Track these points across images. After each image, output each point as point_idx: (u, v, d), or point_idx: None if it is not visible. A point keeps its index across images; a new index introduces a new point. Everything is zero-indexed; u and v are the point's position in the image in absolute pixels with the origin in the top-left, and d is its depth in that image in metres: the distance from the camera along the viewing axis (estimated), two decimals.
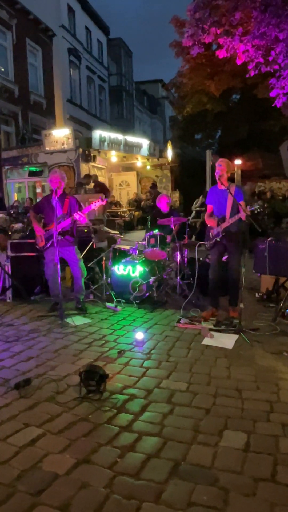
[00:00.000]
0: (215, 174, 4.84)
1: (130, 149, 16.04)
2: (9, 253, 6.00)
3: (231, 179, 5.09)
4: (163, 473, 2.14)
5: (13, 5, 17.92)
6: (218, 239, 4.83)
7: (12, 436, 2.48)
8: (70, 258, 5.31)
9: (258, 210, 4.43)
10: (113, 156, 16.27)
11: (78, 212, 5.11)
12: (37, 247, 5.38)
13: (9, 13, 17.81)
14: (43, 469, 2.18)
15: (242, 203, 4.68)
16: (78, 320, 4.90)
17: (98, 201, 5.34)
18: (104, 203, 5.48)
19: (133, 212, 15.79)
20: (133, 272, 5.66)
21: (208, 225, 5.05)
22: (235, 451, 2.33)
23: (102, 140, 14.83)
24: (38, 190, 16.95)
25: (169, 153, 17.61)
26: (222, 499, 1.96)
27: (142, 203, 15.73)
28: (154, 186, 15.08)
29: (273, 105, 9.38)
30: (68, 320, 4.87)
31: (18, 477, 2.12)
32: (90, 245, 6.41)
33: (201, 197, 14.08)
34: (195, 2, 9.41)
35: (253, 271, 6.16)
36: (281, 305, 4.90)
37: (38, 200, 8.84)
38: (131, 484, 2.06)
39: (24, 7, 18.50)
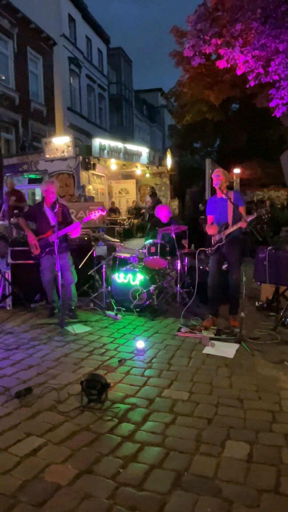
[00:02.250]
0: (214, 184, 4.88)
1: (130, 157, 16.12)
2: (9, 261, 6.00)
3: (230, 188, 5.12)
4: (166, 484, 2.13)
5: (15, 14, 18.08)
6: (220, 245, 4.85)
7: (13, 446, 2.46)
8: (63, 264, 5.30)
9: (265, 215, 4.46)
10: (113, 164, 16.33)
11: (83, 220, 5.18)
12: (31, 255, 5.38)
13: (11, 22, 17.97)
14: (45, 479, 2.16)
15: (242, 208, 4.71)
16: (78, 328, 4.89)
17: (98, 211, 5.38)
18: (104, 213, 5.52)
19: (132, 220, 15.83)
20: (134, 280, 5.66)
21: (209, 234, 5.06)
22: (238, 462, 2.32)
23: (102, 148, 14.91)
24: (38, 197, 16.98)
25: (169, 161, 17.69)
26: (225, 511, 1.94)
27: (142, 211, 15.77)
28: (153, 194, 15.12)
29: (272, 115, 9.46)
30: (69, 328, 4.86)
31: (20, 487, 2.10)
32: (90, 253, 6.42)
33: (200, 205, 14.15)
34: (196, 13, 9.53)
35: (253, 279, 6.17)
36: (281, 314, 4.90)
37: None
38: (134, 495, 2.05)
39: (26, 16, 18.68)
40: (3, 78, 17.65)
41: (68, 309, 5.46)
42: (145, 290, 5.53)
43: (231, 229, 4.73)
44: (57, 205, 5.13)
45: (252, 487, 2.11)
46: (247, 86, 9.41)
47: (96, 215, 5.42)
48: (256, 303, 5.86)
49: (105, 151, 15.04)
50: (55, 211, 5.05)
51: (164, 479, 2.16)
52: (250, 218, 4.60)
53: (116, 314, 5.45)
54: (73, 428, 2.66)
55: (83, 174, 14.66)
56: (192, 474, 2.21)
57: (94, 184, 16.66)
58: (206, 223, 5.19)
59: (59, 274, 4.95)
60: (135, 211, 16.68)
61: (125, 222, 15.53)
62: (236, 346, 4.23)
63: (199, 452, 2.41)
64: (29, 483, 2.13)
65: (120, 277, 5.77)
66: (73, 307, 5.48)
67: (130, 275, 5.69)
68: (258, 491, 2.07)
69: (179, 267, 5.87)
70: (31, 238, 5.27)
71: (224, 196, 4.76)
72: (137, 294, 5.59)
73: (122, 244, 7.25)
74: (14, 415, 2.84)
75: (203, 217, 5.79)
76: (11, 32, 18.18)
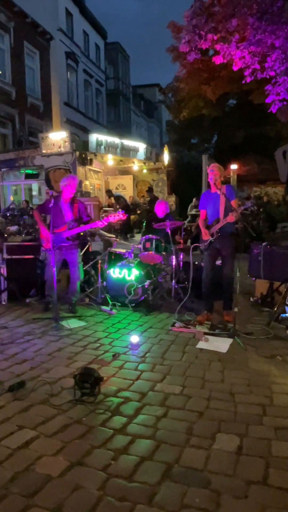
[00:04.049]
0: (209, 179, 4.89)
1: (127, 152, 16.11)
2: (5, 256, 6.00)
3: (224, 183, 5.14)
4: (156, 475, 2.16)
5: (12, 8, 17.98)
6: (212, 239, 4.87)
7: (5, 438, 2.48)
8: (72, 260, 5.34)
9: (251, 208, 4.48)
10: (110, 160, 16.32)
11: (102, 221, 5.20)
12: (43, 248, 5.38)
13: (7, 16, 17.87)
14: (37, 471, 2.19)
15: (234, 202, 4.73)
16: (73, 323, 4.91)
17: (118, 215, 5.36)
18: (124, 218, 5.53)
19: (129, 215, 15.80)
20: (129, 275, 5.67)
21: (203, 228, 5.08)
22: (227, 454, 2.35)
23: (98, 144, 14.89)
24: (35, 193, 16.97)
25: (166, 157, 17.70)
26: (214, 502, 1.97)
27: (139, 211, 15.76)
28: (150, 189, 15.13)
29: (268, 111, 9.46)
30: (63, 323, 4.87)
31: (11, 479, 2.12)
32: (86, 248, 6.44)
33: (194, 199, 14.17)
34: (192, 9, 9.49)
35: (248, 275, 6.20)
36: (275, 309, 4.93)
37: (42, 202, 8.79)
38: (124, 486, 2.07)
39: (22, 10, 18.57)
40: (0, 72, 17.55)
41: (69, 304, 5.48)
42: (140, 285, 5.55)
43: (221, 224, 4.75)
44: (73, 201, 5.16)
45: (241, 479, 2.14)
46: (244, 82, 9.38)
47: (115, 218, 5.37)
48: (251, 299, 5.90)
49: (102, 147, 15.03)
50: (72, 207, 5.06)
51: (154, 471, 2.19)
52: (238, 211, 4.62)
53: (111, 309, 5.47)
54: (66, 421, 2.69)
55: (80, 170, 14.65)
56: (182, 466, 2.24)
57: (91, 179, 16.65)
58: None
59: (54, 269, 4.96)
60: (132, 206, 16.67)
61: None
62: (230, 341, 4.26)
63: (190, 445, 2.44)
64: (21, 474, 2.16)
65: (115, 272, 5.78)
66: (73, 302, 5.50)
67: (125, 270, 5.71)
68: (246, 483, 2.10)
69: (174, 263, 5.89)
70: (44, 231, 5.22)
71: (218, 191, 4.77)
72: (132, 289, 5.61)
73: (118, 240, 7.27)
74: (7, 408, 2.86)
75: (199, 213, 5.78)
76: (8, 26, 18.09)
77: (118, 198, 14.35)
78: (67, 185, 5.26)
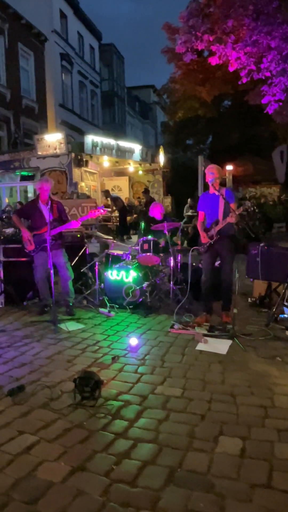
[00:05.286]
0: (208, 180, 4.88)
1: (122, 154, 16.08)
2: (1, 258, 5.96)
3: (222, 185, 5.13)
4: (159, 480, 2.13)
5: (6, 9, 17.93)
6: (212, 242, 4.86)
7: (6, 444, 2.45)
8: (58, 261, 5.32)
9: (251, 208, 4.48)
10: (105, 161, 16.29)
11: (77, 220, 5.23)
12: (26, 251, 5.39)
13: (1, 18, 17.82)
14: (38, 477, 2.16)
15: (233, 205, 4.72)
16: (71, 326, 4.88)
17: (99, 211, 5.39)
18: (104, 213, 5.57)
19: (125, 217, 15.76)
20: (127, 277, 5.65)
21: (201, 231, 5.07)
22: (230, 457, 2.33)
23: (94, 145, 14.85)
24: (30, 194, 16.89)
25: (161, 158, 17.68)
26: (218, 506, 1.95)
27: (135, 215, 15.76)
28: (146, 191, 15.11)
29: (264, 112, 9.48)
30: (61, 325, 4.84)
31: (13, 485, 2.09)
32: (83, 250, 6.41)
33: (189, 200, 14.16)
34: (188, 10, 9.51)
35: (246, 276, 6.19)
36: (274, 310, 4.93)
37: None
38: (127, 492, 2.05)
39: (17, 11, 18.53)
40: None
41: (66, 306, 5.46)
42: (138, 287, 5.53)
43: (221, 225, 4.74)
44: (51, 202, 5.16)
45: (245, 482, 2.12)
46: (239, 82, 9.40)
47: (96, 214, 5.42)
48: (249, 300, 5.89)
49: (98, 148, 14.99)
50: (49, 207, 5.05)
51: (157, 475, 2.17)
52: (238, 212, 4.62)
53: (109, 311, 5.45)
54: (66, 425, 2.66)
55: (76, 171, 14.60)
56: (185, 470, 2.22)
57: (86, 181, 16.61)
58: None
59: (52, 271, 4.94)
60: (128, 208, 16.64)
61: (118, 219, 15.47)
62: (229, 342, 4.24)
63: (192, 448, 2.42)
64: (22, 480, 2.13)
65: (113, 274, 5.76)
66: (70, 304, 5.48)
67: (123, 272, 5.68)
68: (250, 486, 2.09)
69: (172, 264, 5.87)
70: (25, 233, 5.28)
71: (216, 193, 4.76)
72: (130, 291, 5.58)
73: (115, 241, 7.24)
74: (6, 413, 2.83)
75: (195, 213, 5.77)
76: (2, 28, 18.04)
77: (116, 199, 14.33)
78: (40, 187, 5.36)
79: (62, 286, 5.49)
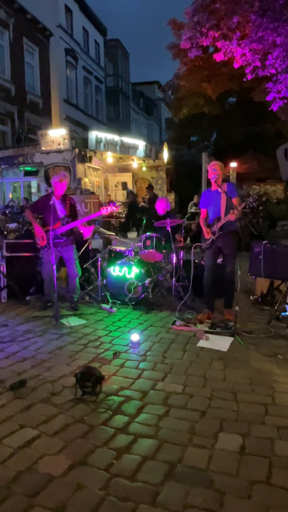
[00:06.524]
0: (210, 177, 4.86)
1: (126, 150, 16.05)
2: (4, 253, 5.98)
3: (225, 181, 5.12)
4: (158, 475, 2.15)
5: (11, 4, 17.88)
6: (214, 238, 4.85)
7: (7, 438, 2.47)
8: (68, 257, 5.33)
9: (253, 204, 4.46)
10: (109, 157, 16.26)
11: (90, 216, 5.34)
12: (37, 246, 5.38)
13: (7, 12, 17.77)
14: (39, 470, 2.17)
15: (235, 200, 4.70)
16: (73, 321, 4.89)
17: (110, 207, 5.38)
18: (117, 209, 5.55)
19: (134, 213, 15.74)
20: (129, 273, 5.66)
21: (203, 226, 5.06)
22: (230, 454, 2.34)
23: (98, 141, 14.83)
24: (34, 190, 16.91)
25: (165, 154, 17.63)
26: (217, 502, 1.96)
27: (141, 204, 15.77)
28: (150, 187, 15.10)
29: (269, 109, 9.43)
30: (63, 321, 4.86)
31: (13, 478, 2.11)
32: (86, 246, 6.41)
33: (195, 196, 14.15)
34: (193, 5, 9.46)
35: (248, 273, 6.19)
36: (276, 308, 4.93)
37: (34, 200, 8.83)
38: (127, 486, 2.06)
39: (22, 6, 18.48)
40: None
41: (71, 301, 5.48)
42: (140, 284, 5.54)
43: (222, 222, 4.73)
44: (65, 198, 5.16)
45: (244, 479, 2.13)
46: (244, 79, 9.35)
47: (107, 210, 5.41)
48: (251, 297, 5.89)
49: (102, 144, 14.97)
50: (64, 203, 5.04)
51: (157, 471, 2.18)
52: (240, 208, 4.60)
53: (111, 307, 5.46)
54: (67, 420, 2.67)
55: (79, 167, 14.59)
56: (184, 466, 2.23)
57: (90, 177, 16.59)
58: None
59: (54, 267, 4.94)
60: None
61: (121, 215, 15.46)
62: (230, 339, 4.25)
63: (192, 444, 2.43)
64: (23, 474, 2.15)
65: (115, 270, 5.77)
66: (75, 299, 5.49)
67: (125, 268, 5.69)
68: (249, 483, 2.10)
69: (174, 261, 5.87)
70: (38, 230, 5.23)
71: (219, 189, 4.75)
72: (132, 287, 5.59)
73: (117, 238, 7.24)
74: (8, 407, 2.85)
75: (199, 210, 5.74)
76: (7, 23, 18.00)
77: (129, 194, 14.61)
78: (57, 182, 5.27)
79: (69, 282, 5.49)
